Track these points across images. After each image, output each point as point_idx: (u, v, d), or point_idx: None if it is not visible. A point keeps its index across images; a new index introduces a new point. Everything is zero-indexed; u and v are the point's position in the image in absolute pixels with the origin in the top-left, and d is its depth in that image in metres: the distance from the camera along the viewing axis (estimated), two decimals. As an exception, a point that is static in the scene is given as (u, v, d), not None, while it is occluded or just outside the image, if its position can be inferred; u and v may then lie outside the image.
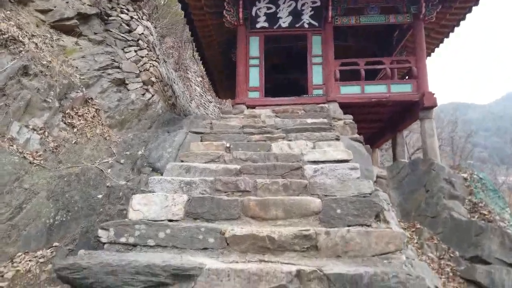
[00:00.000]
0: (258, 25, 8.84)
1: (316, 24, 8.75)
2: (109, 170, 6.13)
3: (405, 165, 7.69)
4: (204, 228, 2.65)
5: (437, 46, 10.73)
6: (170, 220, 3.03)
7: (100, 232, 2.65)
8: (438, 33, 9.95)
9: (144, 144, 6.99)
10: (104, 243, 2.64)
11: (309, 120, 6.66)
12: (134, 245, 2.63)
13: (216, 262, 2.36)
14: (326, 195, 3.51)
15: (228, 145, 5.12)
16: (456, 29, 9.70)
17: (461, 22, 9.45)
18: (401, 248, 2.53)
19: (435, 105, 8.15)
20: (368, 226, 2.97)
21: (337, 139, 5.44)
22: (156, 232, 2.65)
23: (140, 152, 6.63)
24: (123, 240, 2.64)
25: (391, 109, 9.18)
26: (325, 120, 6.71)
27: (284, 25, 8.79)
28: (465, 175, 6.98)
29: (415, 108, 8.52)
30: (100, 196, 5.51)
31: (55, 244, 4.78)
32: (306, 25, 8.77)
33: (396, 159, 10.13)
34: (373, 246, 2.54)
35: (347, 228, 2.62)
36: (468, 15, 9.16)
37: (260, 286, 2.13)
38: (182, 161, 4.60)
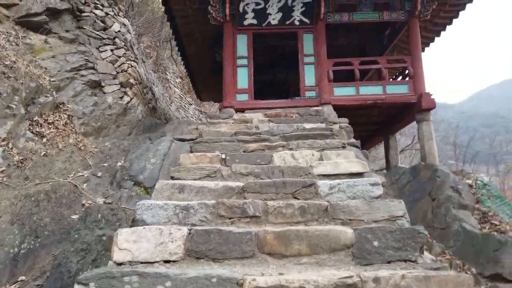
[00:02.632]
0: (245, 22, 8.21)
1: (308, 21, 8.21)
2: (84, 185, 5.39)
3: (406, 171, 7.25)
4: (216, 279, 2.02)
5: (427, 45, 10.43)
6: (167, 261, 2.40)
7: (78, 289, 1.99)
8: (430, 31, 9.65)
9: (124, 154, 6.25)
10: (83, 304, 1.98)
11: (307, 126, 6.11)
12: (124, 306, 1.99)
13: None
14: (351, 219, 2.96)
15: (223, 156, 4.49)
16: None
17: (454, 20, 9.19)
18: (469, 297, 2.01)
19: (434, 107, 7.76)
20: (413, 261, 2.44)
21: (344, 147, 4.91)
22: (153, 286, 2.01)
23: (119, 163, 5.89)
24: (108, 299, 1.98)
25: (386, 111, 8.74)
26: (323, 125, 6.20)
27: (274, 22, 8.20)
28: (469, 182, 6.59)
29: (411, 110, 8.14)
30: (74, 216, 4.77)
31: (21, 278, 4.02)
32: (297, 22, 8.22)
33: (389, 163, 9.72)
34: (435, 296, 1.99)
35: (401, 273, 2.06)
36: (461, 13, 8.91)
37: None
38: (172, 178, 3.95)
